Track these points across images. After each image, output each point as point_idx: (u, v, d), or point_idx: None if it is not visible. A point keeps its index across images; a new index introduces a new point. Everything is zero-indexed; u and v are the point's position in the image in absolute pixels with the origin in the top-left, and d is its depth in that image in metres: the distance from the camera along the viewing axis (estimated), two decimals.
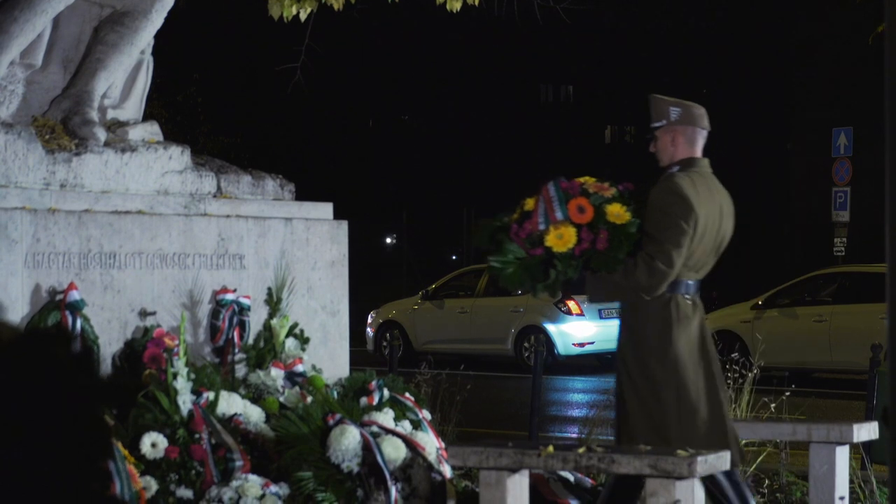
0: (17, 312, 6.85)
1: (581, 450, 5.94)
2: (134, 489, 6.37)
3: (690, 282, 6.47)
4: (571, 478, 7.37)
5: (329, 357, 8.12)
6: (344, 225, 8.41)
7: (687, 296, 6.45)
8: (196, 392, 6.98)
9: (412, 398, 7.68)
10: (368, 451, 6.95)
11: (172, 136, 9.82)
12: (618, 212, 6.33)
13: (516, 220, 6.49)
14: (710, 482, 6.37)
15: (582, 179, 6.52)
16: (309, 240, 8.18)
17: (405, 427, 7.36)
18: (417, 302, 24.01)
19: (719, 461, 6.04)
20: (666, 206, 6.37)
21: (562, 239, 6.30)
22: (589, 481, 7.57)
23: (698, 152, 6.62)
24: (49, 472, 2.33)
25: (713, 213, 6.48)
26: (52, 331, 6.60)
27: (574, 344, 21.81)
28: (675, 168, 6.54)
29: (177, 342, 7.05)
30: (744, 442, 8.83)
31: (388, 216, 45.91)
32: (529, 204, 6.48)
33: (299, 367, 7.59)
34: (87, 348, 6.76)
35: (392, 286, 35.77)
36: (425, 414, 7.66)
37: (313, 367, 7.74)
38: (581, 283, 6.42)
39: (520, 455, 5.97)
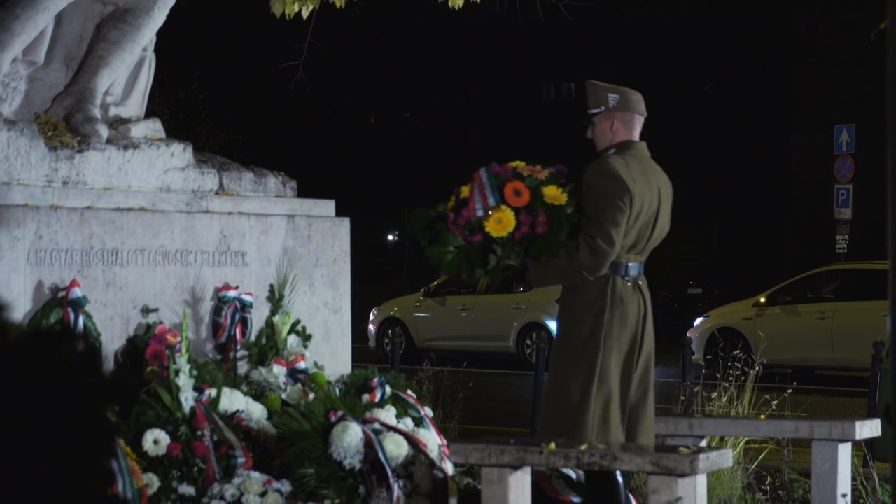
0: (20, 309, 6.84)
1: (583, 447, 5.94)
2: (136, 486, 6.37)
3: (631, 264, 6.51)
4: (573, 475, 7.36)
5: (331, 354, 8.12)
6: (346, 222, 8.41)
7: (627, 278, 6.48)
8: (198, 389, 6.98)
9: (414, 395, 7.68)
10: (370, 448, 6.95)
11: (175, 133, 9.80)
12: (554, 193, 6.35)
13: (452, 208, 6.47)
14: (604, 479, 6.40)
15: (514, 163, 6.54)
16: (311, 237, 8.18)
17: (407, 424, 7.35)
18: (419, 299, 24.00)
19: (721, 458, 6.04)
20: (600, 186, 6.42)
21: (501, 223, 6.30)
22: None
23: (636, 137, 6.67)
24: (51, 470, 2.33)
25: (648, 193, 6.52)
26: (55, 328, 6.61)
27: None
28: (611, 151, 6.60)
29: (179, 339, 7.05)
30: (745, 439, 8.83)
31: (390, 213, 45.86)
32: (465, 191, 6.47)
33: (301, 364, 7.59)
34: (89, 345, 6.76)
35: (394, 283, 35.70)
36: (427, 411, 7.65)
37: (315, 364, 7.74)
38: (523, 269, 6.46)
39: (522, 452, 5.97)
